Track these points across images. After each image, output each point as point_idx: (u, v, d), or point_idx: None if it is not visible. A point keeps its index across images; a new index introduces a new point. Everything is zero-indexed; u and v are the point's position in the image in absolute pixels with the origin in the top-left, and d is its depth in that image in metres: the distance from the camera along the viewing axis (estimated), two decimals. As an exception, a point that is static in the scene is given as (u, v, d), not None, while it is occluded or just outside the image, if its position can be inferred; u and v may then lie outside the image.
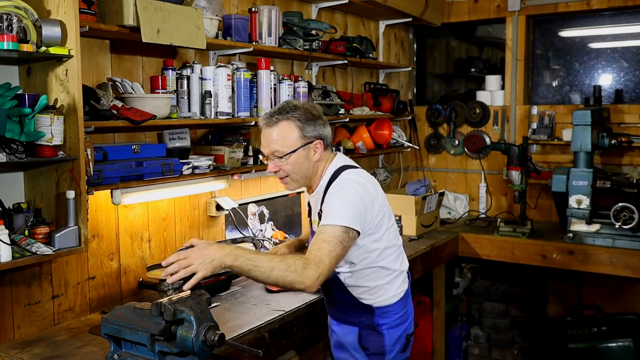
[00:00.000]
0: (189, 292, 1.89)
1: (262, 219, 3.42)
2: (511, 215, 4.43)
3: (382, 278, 2.21)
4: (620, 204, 3.61)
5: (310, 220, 2.34)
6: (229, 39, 2.86)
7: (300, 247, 2.50)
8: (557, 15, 4.48)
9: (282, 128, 2.09)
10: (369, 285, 2.20)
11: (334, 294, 2.27)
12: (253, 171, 3.05)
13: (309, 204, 2.35)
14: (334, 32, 3.57)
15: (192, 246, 1.91)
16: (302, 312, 2.56)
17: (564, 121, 4.39)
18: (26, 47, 1.96)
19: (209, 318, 1.81)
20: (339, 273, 2.19)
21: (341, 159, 2.23)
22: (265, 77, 3.03)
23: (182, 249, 1.91)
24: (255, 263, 1.86)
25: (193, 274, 1.84)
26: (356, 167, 2.21)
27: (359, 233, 2.05)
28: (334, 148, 3.58)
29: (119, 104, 2.38)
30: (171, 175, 2.55)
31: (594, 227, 3.76)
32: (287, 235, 3.55)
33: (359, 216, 2.04)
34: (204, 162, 2.73)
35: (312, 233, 2.27)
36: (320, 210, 2.15)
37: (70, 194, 2.14)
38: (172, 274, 1.84)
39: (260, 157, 2.23)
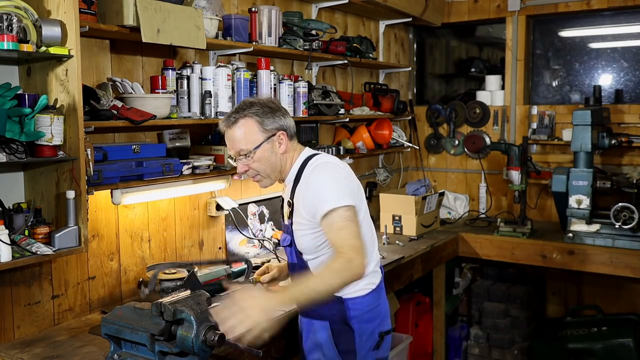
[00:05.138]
0: (188, 292, 1.89)
1: (262, 219, 3.42)
2: (511, 215, 4.43)
3: None
4: (620, 204, 3.61)
5: (282, 213, 2.29)
6: (229, 39, 2.86)
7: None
8: (557, 15, 4.48)
9: (242, 126, 2.07)
10: None
11: None
12: (253, 171, 3.04)
13: (282, 199, 2.33)
14: (334, 32, 3.57)
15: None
16: (302, 312, 2.56)
17: (564, 121, 4.39)
18: (26, 47, 1.96)
19: (209, 318, 1.81)
20: (308, 261, 2.16)
21: (309, 150, 2.21)
22: (265, 77, 3.03)
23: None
24: (310, 290, 1.93)
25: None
26: (326, 155, 2.23)
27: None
28: (327, 147, 3.58)
29: (119, 104, 2.38)
30: (171, 175, 2.55)
31: (594, 227, 3.76)
32: (287, 235, 3.55)
33: (349, 192, 2.04)
34: (204, 162, 2.73)
35: (285, 227, 2.25)
36: (291, 200, 2.14)
37: (70, 194, 2.14)
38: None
39: (229, 160, 2.21)
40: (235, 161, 2.14)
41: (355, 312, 2.15)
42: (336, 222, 1.97)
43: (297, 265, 2.20)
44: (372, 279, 2.21)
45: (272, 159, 2.11)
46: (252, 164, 2.10)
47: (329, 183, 2.04)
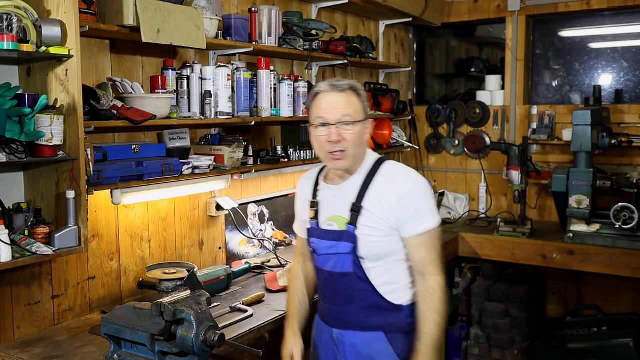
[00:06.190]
0: (188, 292, 1.90)
1: (262, 219, 3.42)
2: (511, 215, 4.43)
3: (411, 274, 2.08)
4: (620, 204, 3.61)
5: (317, 218, 2.11)
6: (229, 39, 2.86)
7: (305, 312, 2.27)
8: (557, 15, 4.48)
9: (351, 96, 2.00)
10: (404, 282, 2.06)
11: (356, 299, 2.04)
12: (253, 171, 3.05)
13: (315, 202, 2.13)
14: (334, 32, 3.57)
15: None
16: (302, 312, 2.55)
17: (564, 121, 4.39)
18: (26, 47, 1.96)
19: (209, 318, 1.81)
20: (370, 269, 2.02)
21: (375, 153, 2.13)
22: (265, 77, 3.03)
23: None
24: (434, 333, 1.96)
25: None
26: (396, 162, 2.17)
27: None
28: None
29: (119, 104, 2.38)
30: (171, 175, 2.54)
31: (594, 227, 3.76)
32: (287, 235, 3.55)
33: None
34: (204, 162, 2.73)
35: (311, 232, 2.11)
36: (358, 203, 2.00)
37: (70, 194, 2.13)
38: None
39: (315, 126, 2.00)
40: (324, 127, 1.98)
41: (414, 319, 2.04)
42: (428, 241, 1.98)
43: (352, 275, 2.03)
44: None
45: (360, 140, 2.02)
46: (348, 135, 1.97)
47: (428, 198, 2.02)
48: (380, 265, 2.03)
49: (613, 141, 3.90)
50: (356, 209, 2.01)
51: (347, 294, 2.05)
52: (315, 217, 2.12)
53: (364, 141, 2.05)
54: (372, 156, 2.10)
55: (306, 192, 2.19)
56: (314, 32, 3.36)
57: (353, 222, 2.01)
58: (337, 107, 1.98)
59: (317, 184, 2.17)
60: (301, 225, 2.23)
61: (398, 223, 1.98)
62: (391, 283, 2.04)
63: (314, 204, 2.13)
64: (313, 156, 3.39)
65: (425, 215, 1.98)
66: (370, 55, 3.94)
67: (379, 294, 2.03)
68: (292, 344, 2.16)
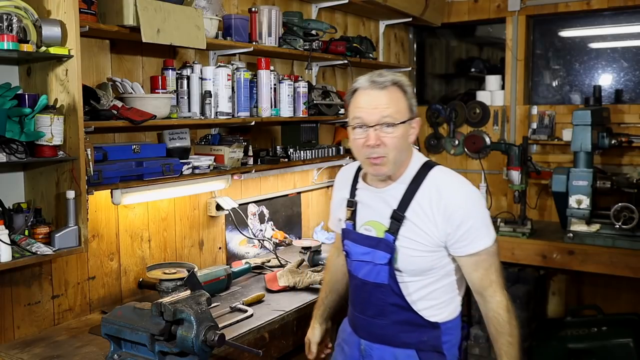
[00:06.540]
0: (188, 292, 1.89)
1: (262, 219, 3.42)
2: (511, 215, 4.42)
3: (455, 289, 1.95)
4: (620, 204, 3.61)
5: (355, 223, 1.95)
6: (229, 39, 2.86)
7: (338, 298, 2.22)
8: (557, 15, 4.48)
9: (394, 93, 1.78)
10: (443, 299, 1.93)
11: (389, 312, 1.90)
12: (253, 171, 3.05)
13: (352, 202, 1.97)
14: (334, 32, 3.57)
15: None
16: (303, 312, 2.56)
17: (564, 121, 4.39)
18: (26, 47, 1.96)
19: (209, 318, 1.81)
20: (406, 282, 1.87)
21: (421, 155, 1.94)
22: (265, 77, 3.03)
23: None
24: (511, 355, 1.86)
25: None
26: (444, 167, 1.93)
27: None
28: (327, 147, 3.58)
29: (119, 104, 2.38)
30: (171, 175, 2.54)
31: (594, 227, 3.76)
32: (287, 235, 3.56)
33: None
34: (204, 162, 2.73)
35: (346, 233, 1.97)
36: (401, 212, 1.83)
37: (70, 194, 2.13)
38: None
39: (352, 126, 1.82)
40: (362, 129, 1.80)
41: (449, 337, 1.96)
42: (485, 260, 1.81)
43: (387, 288, 1.88)
44: (459, 298, 2.01)
45: (404, 144, 1.81)
46: (389, 139, 1.77)
47: (482, 213, 1.83)
48: (418, 280, 1.87)
49: (613, 141, 3.90)
50: (398, 218, 1.83)
51: (380, 306, 1.91)
52: (352, 218, 1.96)
53: (408, 144, 1.84)
54: (418, 159, 1.89)
55: (343, 189, 2.03)
56: (314, 32, 3.36)
57: (393, 231, 1.84)
58: (377, 107, 1.77)
59: (355, 181, 2.00)
60: (336, 222, 2.11)
61: (447, 240, 1.81)
62: (429, 299, 1.89)
63: (352, 204, 1.97)
64: (313, 156, 3.39)
65: (480, 233, 1.79)
66: (370, 55, 3.94)
67: (414, 310, 1.88)
68: (311, 333, 2.20)
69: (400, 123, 1.78)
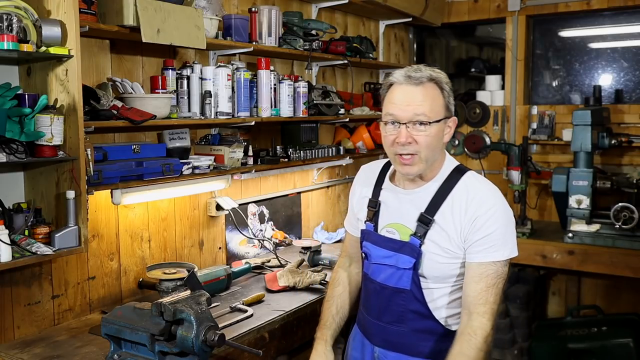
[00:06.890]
0: (188, 292, 1.89)
1: (262, 219, 3.42)
2: (511, 215, 4.42)
3: None
4: (620, 204, 3.61)
5: (376, 224, 1.88)
6: (229, 39, 2.86)
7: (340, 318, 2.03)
8: (557, 15, 4.48)
9: (430, 90, 1.72)
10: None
11: (408, 319, 1.83)
12: (253, 171, 3.05)
13: (375, 202, 1.89)
14: (334, 32, 3.57)
15: None
16: (303, 312, 2.56)
17: (564, 121, 4.39)
18: (26, 47, 1.96)
19: (209, 318, 1.81)
20: (429, 289, 1.80)
21: (453, 159, 1.88)
22: (265, 77, 3.03)
23: None
24: None
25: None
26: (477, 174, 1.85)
27: None
28: (327, 147, 3.57)
29: (119, 104, 2.38)
30: (171, 175, 2.54)
31: (594, 227, 3.76)
32: (286, 235, 3.56)
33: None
34: (204, 162, 2.73)
35: (366, 235, 1.90)
36: (429, 216, 1.76)
37: (70, 194, 2.13)
38: None
39: (385, 122, 1.76)
40: (394, 126, 1.73)
41: None
42: (491, 275, 1.71)
43: (408, 293, 1.81)
44: None
45: (437, 143, 1.74)
46: (421, 137, 1.71)
47: (506, 225, 1.74)
48: (442, 287, 1.80)
49: (613, 141, 3.90)
50: (426, 221, 1.76)
51: (398, 313, 1.83)
52: (373, 219, 1.88)
53: (442, 144, 1.78)
54: (450, 162, 1.84)
55: (365, 188, 1.95)
56: (314, 32, 3.36)
57: (420, 235, 1.77)
58: (411, 104, 1.70)
59: (380, 180, 1.93)
60: (353, 222, 2.02)
61: (466, 244, 1.74)
62: (451, 307, 1.82)
63: (374, 204, 1.89)
64: (313, 156, 3.39)
65: (497, 244, 1.71)
66: (370, 55, 3.94)
67: (435, 318, 1.81)
68: (323, 358, 1.94)
69: (435, 122, 1.71)
